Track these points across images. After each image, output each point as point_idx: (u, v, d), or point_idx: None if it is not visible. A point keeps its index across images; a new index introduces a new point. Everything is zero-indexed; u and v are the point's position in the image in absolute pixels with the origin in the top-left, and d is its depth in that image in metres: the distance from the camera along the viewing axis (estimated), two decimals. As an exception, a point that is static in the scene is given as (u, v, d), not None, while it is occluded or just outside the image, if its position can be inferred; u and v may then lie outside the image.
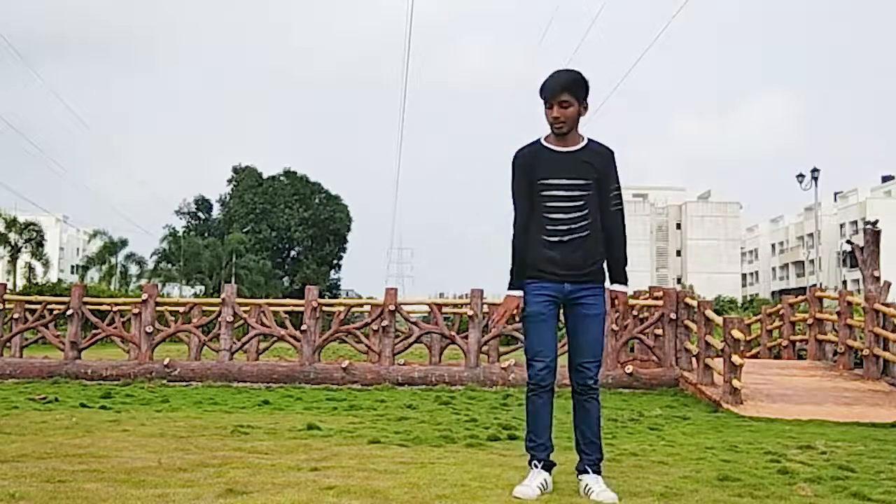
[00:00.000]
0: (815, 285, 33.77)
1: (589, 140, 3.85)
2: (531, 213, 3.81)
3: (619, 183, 3.88)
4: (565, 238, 3.74)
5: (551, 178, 3.75)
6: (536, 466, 3.80)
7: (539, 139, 3.87)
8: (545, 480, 3.77)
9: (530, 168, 3.79)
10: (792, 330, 14.43)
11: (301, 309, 12.51)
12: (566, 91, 3.72)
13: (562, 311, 3.90)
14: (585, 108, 3.80)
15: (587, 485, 3.74)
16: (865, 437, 6.69)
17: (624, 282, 3.92)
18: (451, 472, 4.28)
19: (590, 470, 3.80)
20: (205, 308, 15.55)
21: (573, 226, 3.74)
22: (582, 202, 3.75)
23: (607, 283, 3.90)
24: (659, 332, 12.09)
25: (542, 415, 3.84)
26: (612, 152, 3.89)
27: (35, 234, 44.13)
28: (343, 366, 11.71)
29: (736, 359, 9.00)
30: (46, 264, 45.21)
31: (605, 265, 3.88)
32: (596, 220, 3.80)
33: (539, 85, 3.79)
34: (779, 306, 15.32)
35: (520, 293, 3.83)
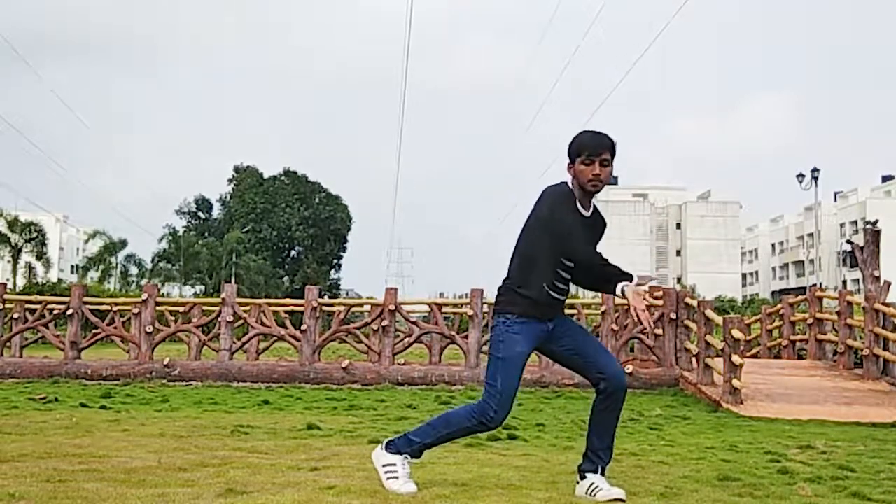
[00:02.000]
0: (815, 285, 33.76)
1: (594, 206, 3.84)
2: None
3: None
4: (560, 294, 3.80)
5: (581, 243, 3.68)
6: (413, 456, 3.78)
7: (571, 189, 3.72)
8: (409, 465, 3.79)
9: (565, 213, 3.66)
10: (792, 330, 14.43)
11: (301, 309, 12.51)
12: (609, 150, 3.70)
13: (541, 352, 4.01)
14: (610, 175, 3.77)
15: (593, 483, 3.71)
16: (865, 436, 6.69)
17: (630, 277, 3.71)
18: (451, 471, 4.28)
19: (599, 470, 3.77)
20: (205, 308, 15.54)
21: (567, 287, 3.84)
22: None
23: (623, 287, 3.66)
24: (659, 331, 12.08)
25: (460, 435, 3.87)
26: (605, 224, 3.90)
27: (36, 234, 44.14)
28: (343, 366, 11.71)
29: (736, 358, 9.00)
30: (47, 264, 45.22)
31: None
32: None
33: (577, 140, 3.71)
34: (779, 306, 15.33)
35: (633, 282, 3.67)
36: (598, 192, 3.73)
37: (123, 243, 52.43)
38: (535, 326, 3.76)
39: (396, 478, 3.70)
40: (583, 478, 3.79)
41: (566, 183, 3.76)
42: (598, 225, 3.85)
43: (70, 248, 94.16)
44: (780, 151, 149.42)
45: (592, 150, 3.67)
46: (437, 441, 3.84)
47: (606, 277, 3.73)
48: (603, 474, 3.78)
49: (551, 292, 3.75)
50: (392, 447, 3.80)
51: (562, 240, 3.67)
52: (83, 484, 3.74)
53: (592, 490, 3.69)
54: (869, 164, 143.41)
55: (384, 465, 3.77)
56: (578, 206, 3.73)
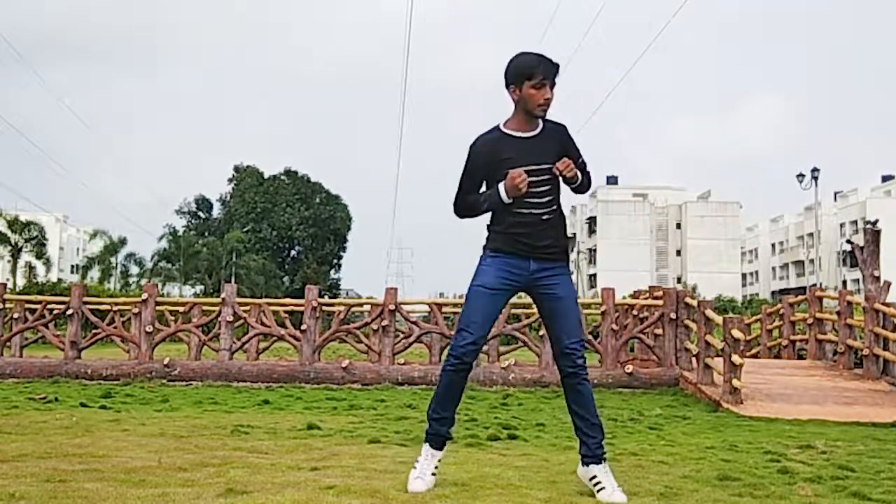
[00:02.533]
0: (815, 285, 33.76)
1: (543, 121, 3.77)
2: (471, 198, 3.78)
3: (580, 152, 3.82)
4: (535, 220, 3.69)
5: (520, 164, 3.64)
6: (430, 446, 3.77)
7: (497, 126, 3.77)
8: (438, 462, 3.79)
9: (492, 155, 3.70)
10: (792, 330, 14.44)
11: (301, 308, 12.50)
12: (557, 73, 3.66)
13: (529, 296, 3.84)
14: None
15: (595, 477, 3.69)
16: (865, 436, 6.69)
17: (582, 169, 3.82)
18: (451, 471, 4.28)
19: (600, 458, 3.73)
20: (205, 308, 15.54)
21: (543, 210, 3.70)
22: (550, 185, 3.72)
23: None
24: (659, 331, 12.08)
25: (454, 390, 3.77)
26: (565, 127, 3.83)
27: (36, 233, 44.13)
28: (343, 365, 11.71)
29: (736, 358, 9.00)
30: (48, 264, 45.22)
31: (567, 247, 3.87)
32: (560, 203, 3.80)
33: (523, 62, 3.65)
34: (779, 306, 15.33)
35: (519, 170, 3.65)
36: (544, 116, 3.71)
37: (123, 242, 52.43)
38: (512, 263, 3.71)
39: (414, 468, 3.75)
40: (585, 464, 3.77)
41: (496, 127, 3.75)
42: (549, 138, 3.74)
43: (70, 248, 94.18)
44: (780, 151, 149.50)
45: (547, 73, 3.62)
46: (437, 399, 3.79)
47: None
48: (604, 461, 3.74)
49: (519, 220, 3.68)
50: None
51: (482, 173, 3.73)
52: (83, 484, 3.73)
53: (596, 485, 3.67)
54: (869, 164, 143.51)
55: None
56: (512, 131, 3.72)
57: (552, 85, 3.65)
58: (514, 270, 3.72)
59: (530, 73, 3.62)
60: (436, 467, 3.78)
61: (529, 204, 3.68)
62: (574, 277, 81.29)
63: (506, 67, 3.71)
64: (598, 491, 3.65)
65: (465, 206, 3.84)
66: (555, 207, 3.77)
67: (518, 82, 3.65)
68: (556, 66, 3.66)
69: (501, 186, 3.66)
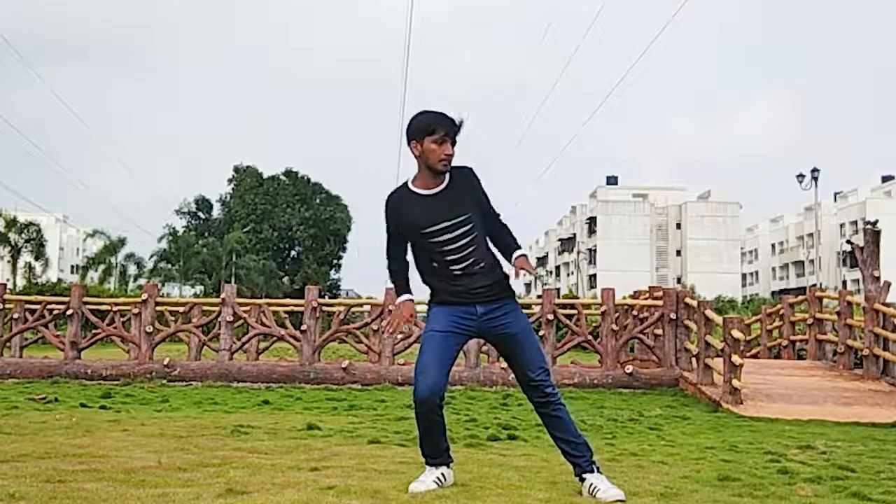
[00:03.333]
0: (815, 285, 33.77)
1: (450, 172, 3.75)
2: (399, 268, 3.86)
3: (486, 196, 3.83)
4: (461, 274, 3.70)
5: (429, 225, 3.66)
6: (434, 466, 3.80)
7: (406, 183, 3.78)
8: (443, 474, 3.78)
9: (402, 215, 3.74)
10: (792, 330, 14.44)
11: (301, 309, 12.51)
12: (458, 129, 3.67)
13: (486, 341, 3.93)
14: None
15: (592, 484, 3.71)
16: (865, 436, 6.69)
17: (518, 246, 3.84)
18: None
19: (587, 472, 3.75)
20: (205, 308, 15.54)
21: (466, 263, 3.70)
22: (468, 236, 3.70)
23: (515, 254, 3.79)
24: (659, 331, 12.09)
25: (434, 430, 3.74)
26: (471, 170, 3.82)
27: (35, 233, 44.12)
28: (343, 366, 11.71)
29: (736, 359, 9.00)
30: (46, 264, 45.20)
31: (508, 282, 3.82)
32: (487, 249, 3.79)
33: (424, 118, 3.68)
34: (779, 306, 15.33)
35: (411, 297, 3.83)
36: (446, 172, 3.70)
37: (122, 241, 52.40)
38: (459, 310, 3.73)
39: (420, 480, 3.76)
40: (581, 479, 3.78)
41: (405, 185, 3.79)
42: (456, 190, 3.73)
43: (70, 248, 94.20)
44: (780, 151, 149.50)
45: (449, 128, 3.64)
46: (423, 441, 3.82)
47: (503, 247, 3.84)
48: (597, 470, 3.76)
49: (451, 274, 3.71)
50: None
51: (398, 229, 3.78)
52: (83, 484, 3.73)
53: (592, 490, 3.69)
54: (869, 165, 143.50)
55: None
56: (420, 189, 3.73)
57: (453, 142, 3.66)
58: (462, 316, 3.73)
59: (431, 129, 3.63)
60: (442, 476, 3.79)
61: (450, 261, 3.70)
62: (574, 277, 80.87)
63: (407, 125, 3.73)
64: (595, 493, 3.67)
65: (392, 268, 3.91)
66: (478, 258, 3.73)
67: (419, 138, 3.66)
68: (459, 123, 3.67)
69: (399, 300, 3.83)
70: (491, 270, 3.76)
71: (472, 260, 3.71)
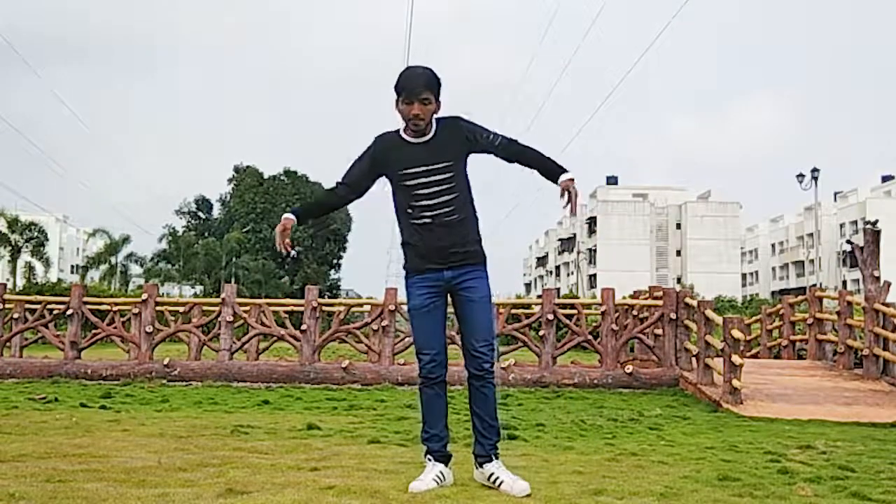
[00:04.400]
0: (814, 285, 33.77)
1: (437, 123, 3.83)
2: (347, 185, 3.93)
3: (487, 130, 3.87)
4: (433, 223, 3.76)
5: (410, 167, 3.77)
6: (430, 460, 3.85)
7: (398, 130, 3.87)
8: (441, 473, 3.81)
9: (384, 155, 3.85)
10: (792, 330, 14.43)
11: (301, 309, 12.51)
12: (427, 89, 3.71)
13: (451, 300, 3.92)
14: (439, 105, 3.80)
15: (493, 474, 3.78)
16: (865, 436, 6.69)
17: (564, 169, 3.84)
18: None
19: (492, 455, 3.84)
20: (205, 308, 15.54)
21: (439, 211, 3.75)
22: (447, 185, 3.77)
23: (561, 178, 3.79)
24: (659, 331, 12.08)
25: (434, 406, 3.89)
26: (458, 118, 3.88)
27: (37, 233, 44.09)
28: (343, 365, 11.71)
29: (736, 358, 9.00)
30: (47, 264, 45.17)
31: (481, 246, 3.89)
32: (465, 203, 3.83)
33: (398, 79, 3.76)
34: (779, 306, 15.32)
35: (292, 216, 3.92)
36: (420, 129, 3.76)
37: (126, 240, 52.29)
38: (429, 277, 3.82)
39: (419, 479, 3.77)
40: (480, 465, 3.86)
41: (397, 130, 3.87)
42: (441, 139, 3.80)
43: (70, 248, 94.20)
44: (779, 151, 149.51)
45: (411, 90, 3.70)
46: (424, 418, 3.91)
47: (542, 168, 3.89)
48: (498, 457, 3.84)
49: (416, 222, 3.78)
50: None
51: (368, 166, 3.90)
52: (83, 484, 3.74)
53: (495, 481, 3.75)
54: (869, 165, 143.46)
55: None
56: (408, 137, 3.81)
57: (423, 101, 3.70)
58: (433, 284, 3.83)
59: (399, 90, 3.74)
60: (441, 475, 3.81)
61: (423, 207, 3.77)
62: (574, 277, 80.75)
63: None
64: (499, 486, 3.73)
65: (326, 194, 4.09)
66: (453, 209, 3.79)
67: (396, 97, 3.78)
68: (426, 81, 3.71)
69: (285, 216, 3.93)
70: (461, 231, 3.80)
71: (445, 210, 3.76)
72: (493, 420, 3.88)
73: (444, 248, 3.78)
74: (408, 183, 3.79)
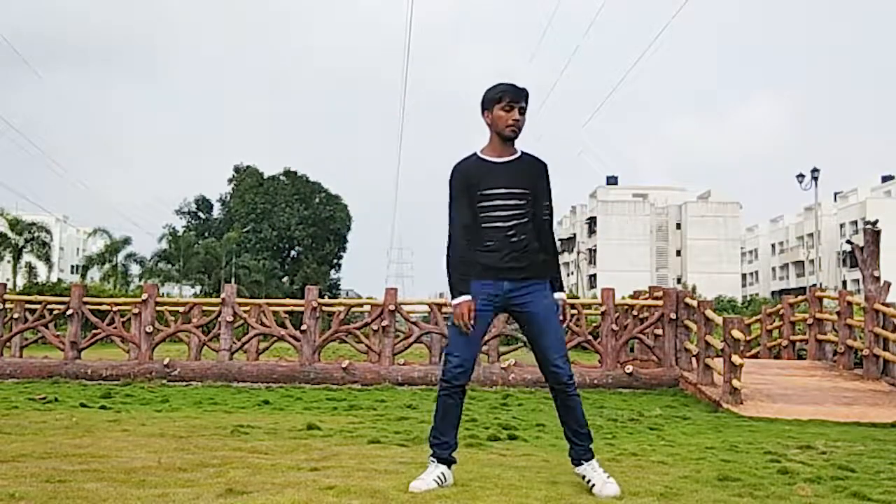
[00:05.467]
0: (814, 285, 33.77)
1: (523, 152, 3.96)
2: (470, 225, 3.87)
3: (550, 197, 3.99)
4: (503, 244, 3.83)
5: (489, 188, 3.84)
6: (434, 461, 3.86)
7: (475, 153, 3.95)
8: (443, 474, 3.83)
9: (469, 181, 3.87)
10: (792, 330, 14.43)
11: (301, 309, 12.51)
12: (526, 100, 3.88)
13: (508, 316, 4.01)
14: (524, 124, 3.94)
15: (585, 476, 3.85)
16: (865, 437, 6.69)
17: (561, 289, 4.03)
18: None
19: (583, 460, 3.89)
20: (205, 308, 15.54)
21: (510, 232, 3.83)
22: (518, 209, 3.85)
23: (555, 295, 3.96)
24: (659, 332, 12.08)
25: (450, 414, 3.90)
26: (545, 165, 4.00)
27: (38, 233, 44.06)
28: (343, 366, 11.71)
29: (736, 359, 9.00)
30: (49, 263, 45.15)
31: (546, 261, 3.94)
32: (532, 228, 3.91)
33: (494, 88, 3.87)
34: (779, 306, 15.32)
35: (469, 297, 3.84)
36: (515, 137, 3.89)
37: (126, 241, 52.23)
38: (487, 284, 3.85)
39: (420, 479, 3.79)
40: (577, 464, 3.92)
41: (473, 154, 3.95)
42: (524, 167, 3.91)
43: (70, 248, 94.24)
44: (779, 151, 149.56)
45: (514, 96, 3.85)
46: (436, 424, 3.92)
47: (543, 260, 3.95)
48: (592, 458, 3.89)
49: (488, 243, 3.83)
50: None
51: (466, 199, 3.87)
52: (83, 484, 3.73)
53: (588, 483, 3.81)
54: (869, 165, 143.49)
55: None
56: (487, 157, 3.90)
57: (521, 110, 3.86)
58: (490, 292, 3.86)
59: (499, 98, 3.86)
60: (442, 476, 3.82)
61: (496, 228, 3.84)
62: (574, 277, 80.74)
63: (481, 98, 3.94)
64: (591, 487, 3.79)
65: (455, 254, 3.89)
66: (522, 231, 3.86)
67: (489, 107, 3.89)
68: (525, 92, 3.89)
69: (455, 301, 3.83)
70: (525, 250, 3.86)
71: (514, 232, 3.84)
72: (582, 427, 3.92)
73: (507, 265, 3.84)
74: (485, 203, 3.85)
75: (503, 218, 3.83)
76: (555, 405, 3.98)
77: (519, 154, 3.94)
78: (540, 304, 3.88)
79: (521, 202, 3.86)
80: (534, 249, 3.89)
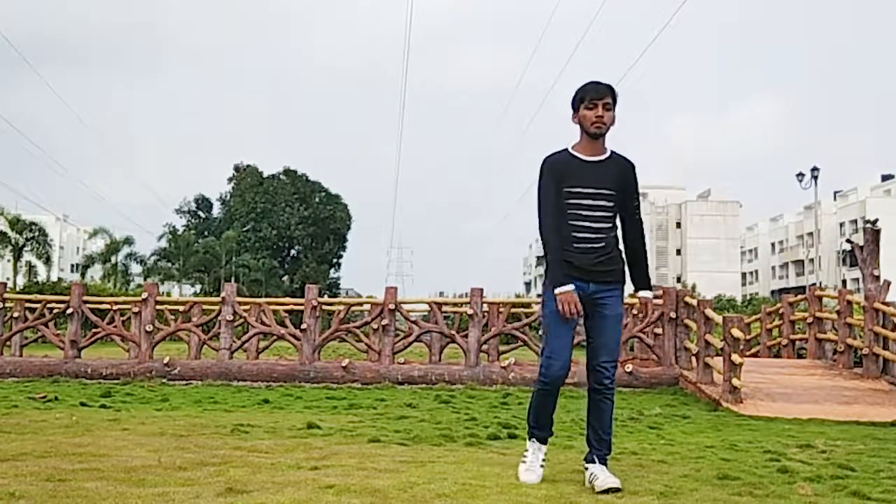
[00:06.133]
0: (814, 284, 33.72)
1: (612, 152, 4.02)
2: (558, 214, 3.93)
3: (639, 195, 4.08)
4: (590, 244, 3.89)
5: (578, 186, 3.89)
6: (534, 443, 4.07)
7: (566, 148, 4.01)
8: (544, 454, 4.08)
9: (559, 174, 3.93)
10: (792, 329, 14.43)
11: (301, 308, 12.50)
12: (609, 94, 3.94)
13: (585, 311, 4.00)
14: (615, 120, 3.98)
15: (592, 472, 3.89)
16: (865, 435, 6.68)
17: (649, 287, 4.15)
18: (451, 470, 4.28)
19: (597, 460, 3.95)
20: (205, 307, 15.53)
21: (598, 234, 3.90)
22: (606, 211, 3.92)
23: (641, 293, 4.12)
24: (659, 330, 12.07)
25: (549, 408, 4.06)
26: (633, 165, 4.06)
27: (38, 233, 44.04)
28: (343, 364, 11.71)
29: (735, 357, 9.00)
30: (48, 262, 45.11)
31: (625, 267, 4.05)
32: (617, 229, 4.01)
33: (579, 89, 3.96)
34: (778, 305, 15.32)
35: (572, 287, 3.86)
36: (602, 134, 3.94)
37: (128, 241, 52.18)
38: (576, 286, 3.88)
39: (524, 461, 4.06)
40: (590, 461, 3.97)
41: (565, 149, 4.01)
42: (613, 168, 3.96)
43: (70, 247, 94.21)
44: (779, 151, 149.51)
45: (595, 93, 3.92)
46: (535, 416, 4.09)
47: (632, 263, 4.10)
48: (603, 464, 3.94)
49: (576, 244, 3.88)
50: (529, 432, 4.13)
51: (555, 188, 3.92)
52: (83, 483, 3.73)
53: (591, 478, 3.86)
54: (868, 164, 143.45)
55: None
56: (578, 154, 3.96)
57: (605, 106, 3.92)
58: (578, 292, 3.89)
59: (582, 97, 3.95)
60: (543, 460, 4.04)
61: (585, 228, 3.89)
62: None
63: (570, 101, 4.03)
64: (594, 482, 3.83)
65: (549, 227, 3.92)
66: (608, 236, 3.94)
67: (576, 108, 3.98)
68: (608, 88, 3.96)
69: (559, 290, 3.85)
70: (610, 255, 3.94)
71: (597, 235, 3.90)
72: (607, 434, 4.00)
73: (592, 267, 3.90)
74: (573, 201, 3.89)
75: (592, 218, 3.89)
76: (587, 405, 4.05)
77: (609, 154, 4.00)
78: (615, 308, 3.98)
79: (609, 203, 3.92)
80: (618, 253, 3.98)
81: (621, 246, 4.03)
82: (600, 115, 3.90)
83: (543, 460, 4.06)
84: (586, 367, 4.05)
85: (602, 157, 3.96)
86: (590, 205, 3.89)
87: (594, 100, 3.91)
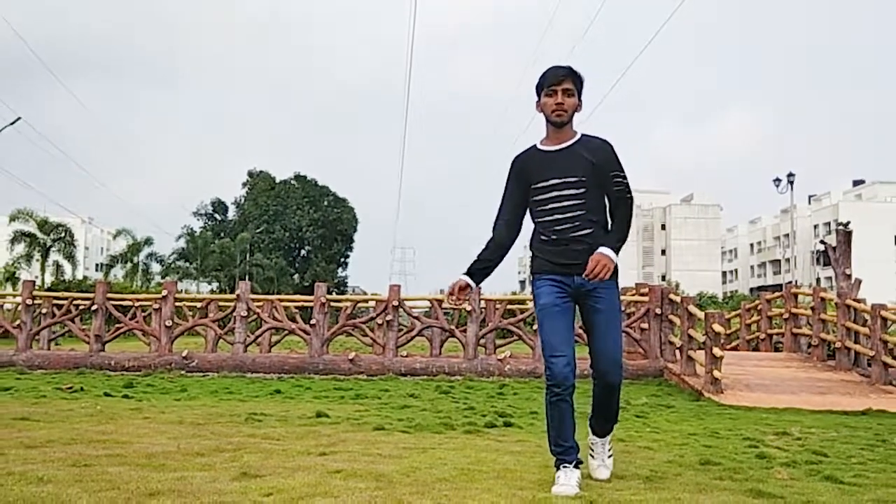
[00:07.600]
0: (790, 282, 33.76)
1: (582, 135, 3.57)
2: (509, 220, 3.63)
3: (621, 171, 3.53)
4: (566, 237, 3.46)
5: (541, 180, 3.50)
6: (566, 466, 3.44)
7: (534, 144, 3.64)
8: (579, 477, 3.45)
9: (524, 172, 3.58)
10: (769, 324, 14.44)
11: (311, 304, 12.50)
12: (569, 79, 3.49)
13: (577, 307, 3.59)
14: (580, 105, 3.55)
15: (593, 448, 3.72)
16: (838, 424, 6.69)
17: (612, 248, 3.43)
18: (451, 456, 4.28)
19: (598, 435, 3.72)
20: (221, 304, 15.51)
21: (572, 224, 3.45)
22: (577, 199, 3.45)
23: (599, 249, 3.41)
24: (645, 325, 12.08)
25: (568, 419, 3.45)
26: (606, 143, 3.56)
27: (64, 234, 44.03)
28: (350, 357, 11.70)
29: (717, 351, 9.00)
30: (74, 261, 45.09)
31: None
32: (598, 215, 3.50)
33: (540, 76, 3.55)
34: (757, 302, 15.33)
35: (467, 278, 3.62)
36: (565, 122, 3.51)
37: (148, 241, 52.14)
38: (558, 278, 3.48)
39: (565, 484, 3.37)
40: (592, 433, 3.75)
41: (533, 145, 3.64)
42: (578, 152, 3.50)
43: (94, 247, 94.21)
44: (758, 157, 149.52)
45: (553, 79, 3.50)
46: (554, 433, 3.50)
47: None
48: (606, 436, 3.72)
49: (551, 237, 3.49)
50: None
51: (517, 191, 3.60)
52: (107, 468, 3.73)
53: (590, 453, 3.73)
54: (841, 170, 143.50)
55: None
56: (544, 146, 3.57)
57: (566, 91, 3.49)
58: (562, 285, 3.50)
59: (542, 82, 3.55)
60: (579, 478, 3.43)
61: (557, 221, 3.48)
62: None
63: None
64: (590, 457, 3.71)
65: (493, 227, 3.66)
66: (582, 225, 3.46)
67: (538, 96, 3.58)
68: (568, 72, 3.51)
69: (463, 278, 3.62)
70: (592, 243, 3.43)
71: (571, 225, 3.45)
72: (613, 419, 3.66)
73: (572, 260, 3.45)
74: (539, 197, 3.52)
75: (561, 210, 3.46)
76: (593, 398, 3.65)
77: (577, 138, 3.54)
78: (605, 302, 3.49)
79: (579, 191, 3.45)
80: (597, 240, 3.44)
81: (606, 230, 3.54)
82: (560, 101, 3.46)
83: (579, 480, 3.41)
84: (592, 367, 3.57)
85: (568, 144, 3.52)
86: (556, 196, 3.46)
87: (553, 86, 3.47)
